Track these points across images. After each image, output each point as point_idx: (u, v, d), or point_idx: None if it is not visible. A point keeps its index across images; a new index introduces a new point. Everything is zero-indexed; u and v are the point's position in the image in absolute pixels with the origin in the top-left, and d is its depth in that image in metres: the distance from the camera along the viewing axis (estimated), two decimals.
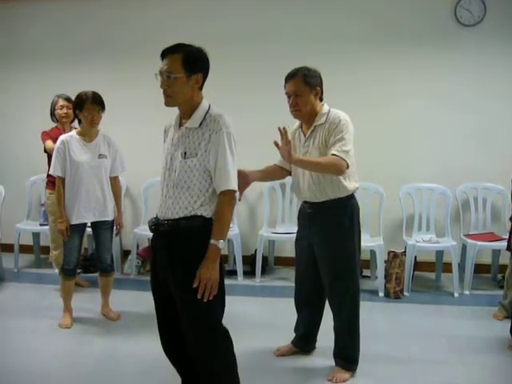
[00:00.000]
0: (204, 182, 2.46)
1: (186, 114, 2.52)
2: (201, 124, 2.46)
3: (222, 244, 2.42)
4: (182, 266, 2.46)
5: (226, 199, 2.46)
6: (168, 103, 2.48)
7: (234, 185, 2.46)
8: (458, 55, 5.20)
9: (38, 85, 5.83)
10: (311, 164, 3.05)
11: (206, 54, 2.49)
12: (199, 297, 2.38)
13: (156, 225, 2.56)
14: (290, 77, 3.14)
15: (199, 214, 2.46)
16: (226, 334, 2.55)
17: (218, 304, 2.49)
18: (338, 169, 3.00)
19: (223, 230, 2.45)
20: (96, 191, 3.99)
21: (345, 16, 5.35)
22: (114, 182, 4.15)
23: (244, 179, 3.00)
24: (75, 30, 5.79)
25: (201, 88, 2.52)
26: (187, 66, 2.41)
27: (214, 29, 5.39)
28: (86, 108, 3.88)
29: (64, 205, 3.96)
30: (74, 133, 4.04)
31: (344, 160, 2.98)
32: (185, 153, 2.46)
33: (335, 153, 2.98)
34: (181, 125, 2.55)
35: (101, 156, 4.01)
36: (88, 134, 4.00)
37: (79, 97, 3.92)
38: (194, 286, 2.37)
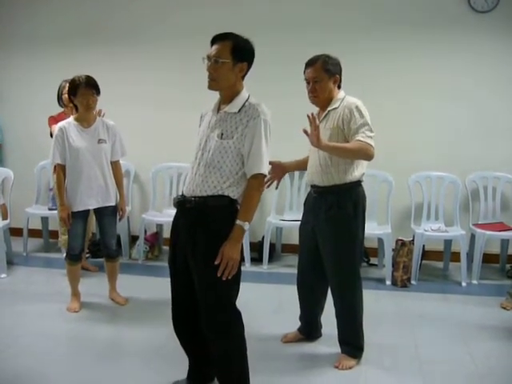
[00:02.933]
0: (235, 165, 2.54)
1: (226, 99, 2.61)
2: (240, 110, 2.56)
3: (247, 226, 2.49)
4: (204, 243, 2.52)
5: (257, 183, 2.55)
6: (211, 86, 2.57)
7: (265, 170, 2.56)
8: (471, 42, 5.13)
9: (45, 69, 5.83)
10: (339, 149, 3.06)
11: (253, 45, 2.60)
12: (219, 274, 2.45)
13: (182, 202, 2.63)
14: (310, 63, 3.17)
15: (226, 194, 2.54)
16: (238, 316, 2.61)
17: (234, 285, 2.56)
18: (366, 154, 3.02)
19: (250, 213, 2.53)
20: (97, 177, 3.96)
21: (356, 5, 5.27)
22: (115, 166, 4.11)
23: (281, 169, 3.34)
24: (79, 13, 5.75)
25: (243, 77, 2.61)
26: (235, 53, 2.52)
27: (224, 16, 5.33)
28: (80, 93, 3.83)
29: (65, 192, 3.94)
30: (71, 119, 3.99)
31: (371, 145, 3.00)
32: (222, 134, 2.55)
33: (360, 139, 3.00)
34: (219, 110, 2.63)
35: (100, 141, 3.97)
36: (85, 119, 3.95)
37: (72, 82, 3.87)
38: (216, 262, 2.44)
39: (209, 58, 2.54)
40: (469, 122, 5.23)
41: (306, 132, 2.96)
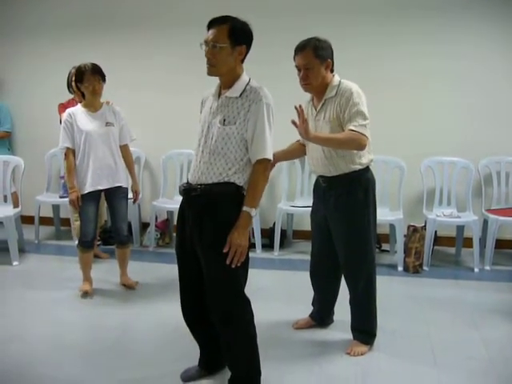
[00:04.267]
0: (239, 151, 2.51)
1: (226, 84, 2.56)
2: (241, 94, 2.50)
3: (254, 212, 2.47)
4: (211, 231, 2.50)
5: (262, 168, 2.51)
6: (211, 72, 2.52)
7: (269, 154, 2.51)
8: (482, 27, 5.04)
9: (54, 56, 5.80)
10: (330, 141, 2.99)
11: (251, 27, 2.52)
12: (228, 262, 2.43)
13: (187, 190, 2.60)
14: (299, 49, 3.02)
15: (232, 180, 2.51)
16: (247, 303, 2.60)
17: (241, 272, 2.54)
18: (358, 144, 2.93)
19: (256, 198, 2.50)
20: (106, 158, 4.00)
21: None
22: (124, 150, 4.15)
23: None
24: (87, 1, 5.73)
25: (242, 61, 2.55)
26: (233, 36, 2.44)
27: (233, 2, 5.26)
28: (86, 79, 3.90)
29: (75, 175, 3.97)
30: (79, 106, 4.06)
31: (363, 135, 2.92)
32: (224, 120, 2.50)
33: (353, 128, 2.91)
34: (220, 95, 2.58)
35: (108, 124, 4.01)
36: (92, 105, 4.01)
37: (78, 69, 3.94)
38: (225, 251, 2.42)
39: (206, 43, 2.46)
40: (481, 107, 5.15)
41: (294, 123, 2.85)
